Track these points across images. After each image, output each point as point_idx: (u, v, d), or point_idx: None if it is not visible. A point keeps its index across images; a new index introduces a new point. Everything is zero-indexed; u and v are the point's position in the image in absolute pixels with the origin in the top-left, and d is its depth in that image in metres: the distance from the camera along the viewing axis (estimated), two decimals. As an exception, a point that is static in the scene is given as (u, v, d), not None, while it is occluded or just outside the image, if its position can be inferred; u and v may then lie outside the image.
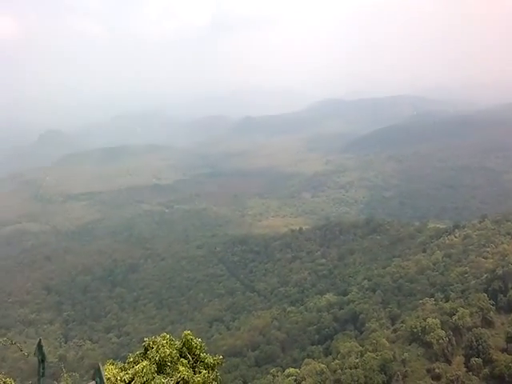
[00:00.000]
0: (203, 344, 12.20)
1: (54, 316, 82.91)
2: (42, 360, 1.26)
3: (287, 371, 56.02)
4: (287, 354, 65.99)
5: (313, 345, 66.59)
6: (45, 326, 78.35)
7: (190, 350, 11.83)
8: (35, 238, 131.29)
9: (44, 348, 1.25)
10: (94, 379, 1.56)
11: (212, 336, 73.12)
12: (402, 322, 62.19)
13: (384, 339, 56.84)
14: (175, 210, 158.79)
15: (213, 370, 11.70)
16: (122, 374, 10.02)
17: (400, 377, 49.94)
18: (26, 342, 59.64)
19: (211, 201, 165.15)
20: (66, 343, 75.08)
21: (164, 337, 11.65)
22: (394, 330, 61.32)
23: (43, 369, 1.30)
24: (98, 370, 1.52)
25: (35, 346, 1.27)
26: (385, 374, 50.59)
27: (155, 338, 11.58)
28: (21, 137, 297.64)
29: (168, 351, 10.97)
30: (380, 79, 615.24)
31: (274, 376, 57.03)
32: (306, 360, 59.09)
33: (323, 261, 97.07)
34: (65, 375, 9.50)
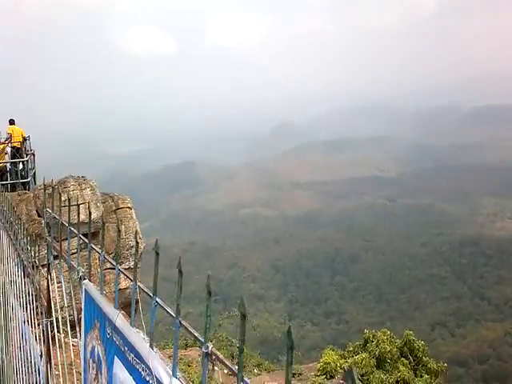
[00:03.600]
0: (426, 347, 11.57)
1: (280, 295, 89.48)
2: (291, 347, 1.25)
3: (521, 395, 49.13)
4: (522, 376, 57.76)
5: (557, 370, 56.81)
6: (271, 303, 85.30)
7: (411, 350, 11.35)
8: (265, 221, 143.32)
9: (293, 335, 1.25)
10: (344, 380, 1.47)
11: (434, 340, 68.62)
12: None
13: None
14: (398, 203, 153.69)
15: (436, 376, 11.01)
16: (341, 362, 10.23)
17: None
18: (256, 315, 66.40)
19: (437, 196, 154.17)
20: (289, 321, 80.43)
21: (384, 332, 11.43)
22: None
23: (291, 357, 1.30)
24: (350, 372, 1.43)
25: (285, 332, 1.28)
26: None
27: (375, 332, 11.46)
28: (256, 130, 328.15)
29: (388, 348, 10.72)
30: None
31: (504, 397, 50.83)
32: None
33: None
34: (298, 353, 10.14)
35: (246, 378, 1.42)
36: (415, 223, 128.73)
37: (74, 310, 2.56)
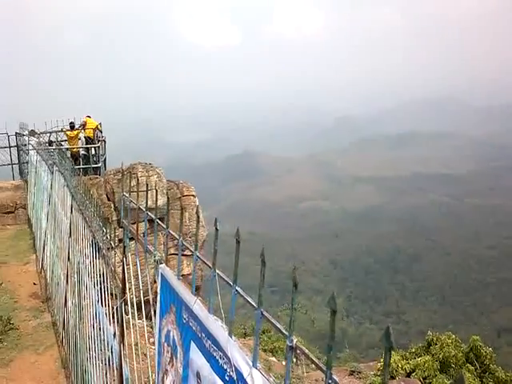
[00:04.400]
0: (494, 355, 11.00)
1: (339, 290, 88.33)
2: (390, 349, 1.16)
3: None
4: None
5: None
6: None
7: (477, 357, 10.82)
8: (325, 215, 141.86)
9: (392, 336, 1.13)
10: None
11: (500, 347, 65.07)
12: None
13: None
14: (465, 203, 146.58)
15: (504, 386, 10.43)
16: (403, 363, 9.93)
17: None
18: (314, 309, 65.91)
19: (508, 197, 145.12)
20: (347, 318, 79.76)
21: (449, 336, 10.95)
22: None
23: (389, 358, 1.19)
24: (461, 379, 1.30)
25: (383, 333, 1.14)
26: None
27: (440, 335, 11.03)
28: (318, 122, 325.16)
29: (453, 352, 10.29)
30: None
31: None
32: None
33: None
34: (347, 350, 10.00)
35: (335, 376, 1.35)
36: (483, 224, 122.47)
37: (150, 292, 2.60)
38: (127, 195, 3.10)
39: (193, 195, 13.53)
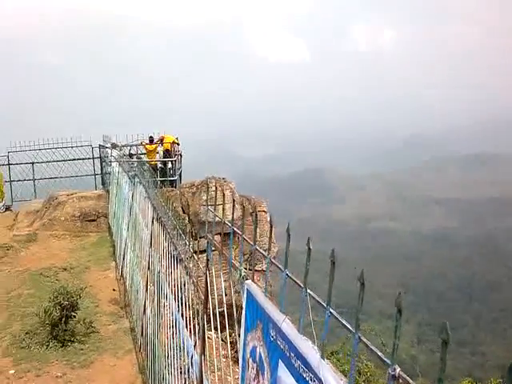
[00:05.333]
0: None
1: (409, 316, 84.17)
2: None
3: None
4: None
5: None
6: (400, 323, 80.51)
7: None
8: (395, 236, 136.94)
9: None
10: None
11: None
12: None
13: None
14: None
15: None
16: (482, 398, 9.33)
17: None
18: (384, 333, 63.49)
19: None
20: (418, 345, 75.96)
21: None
22: None
23: None
24: None
25: (507, 369, 0.97)
26: None
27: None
28: (388, 139, 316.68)
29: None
30: None
31: None
32: None
33: None
34: (420, 379, 9.53)
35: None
36: None
37: (234, 306, 2.62)
38: (211, 209, 3.17)
39: (264, 211, 13.61)
